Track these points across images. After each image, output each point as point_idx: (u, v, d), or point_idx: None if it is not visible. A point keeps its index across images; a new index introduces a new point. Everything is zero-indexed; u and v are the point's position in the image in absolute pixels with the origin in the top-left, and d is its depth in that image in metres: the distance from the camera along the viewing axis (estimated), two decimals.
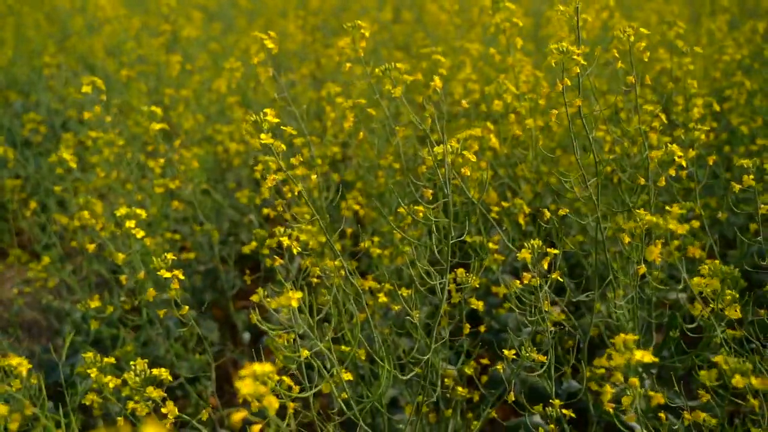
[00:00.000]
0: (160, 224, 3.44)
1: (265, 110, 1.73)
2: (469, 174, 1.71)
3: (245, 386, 1.13)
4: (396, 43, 5.86)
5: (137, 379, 1.69)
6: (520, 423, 2.62)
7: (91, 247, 2.47)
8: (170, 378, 1.70)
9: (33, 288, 3.54)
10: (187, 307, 2.15)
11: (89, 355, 1.96)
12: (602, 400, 1.29)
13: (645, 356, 1.24)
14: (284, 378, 1.41)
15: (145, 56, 5.21)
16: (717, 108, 2.58)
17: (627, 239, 1.82)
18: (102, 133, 3.14)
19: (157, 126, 2.76)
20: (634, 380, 1.27)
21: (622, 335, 1.29)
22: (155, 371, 1.69)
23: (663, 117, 2.18)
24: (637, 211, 1.74)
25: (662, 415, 1.72)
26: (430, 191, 1.76)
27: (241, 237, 3.94)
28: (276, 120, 1.73)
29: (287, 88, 4.41)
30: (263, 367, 1.16)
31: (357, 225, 3.65)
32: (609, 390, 1.27)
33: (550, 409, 1.82)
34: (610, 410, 1.32)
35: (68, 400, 2.44)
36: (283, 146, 1.75)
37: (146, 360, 3.12)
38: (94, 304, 2.44)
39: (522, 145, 3.01)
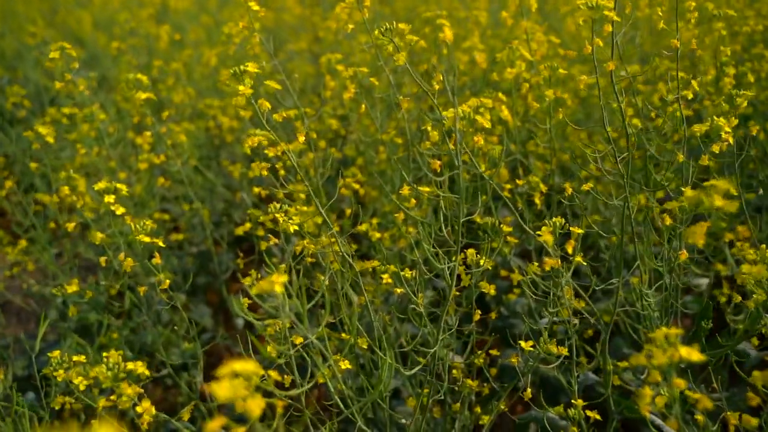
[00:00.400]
0: (148, 203, 3.24)
1: (246, 63, 1.54)
2: (482, 143, 1.51)
3: (222, 389, 0.94)
4: (397, 17, 5.64)
5: (109, 374, 1.48)
6: (531, 417, 2.45)
7: (71, 226, 2.27)
8: (147, 372, 1.51)
9: (16, 272, 3.36)
10: (168, 281, 1.96)
11: (56, 354, 1.77)
12: (640, 405, 1.10)
13: (692, 354, 1.05)
14: (270, 373, 1.22)
15: (136, 29, 4.99)
16: (751, 79, 2.37)
17: (668, 220, 1.62)
18: (80, 107, 2.94)
19: (143, 95, 2.55)
20: (680, 382, 1.08)
21: (664, 329, 1.09)
22: (130, 365, 1.48)
23: (696, 85, 1.97)
24: (683, 188, 1.54)
25: (700, 417, 1.54)
26: (438, 162, 1.56)
27: (234, 217, 3.75)
28: (257, 70, 1.54)
29: (284, 62, 4.21)
30: (245, 366, 0.97)
31: (357, 204, 3.45)
32: (648, 393, 1.08)
33: (573, 411, 1.63)
34: (648, 415, 1.14)
35: (42, 393, 2.26)
36: (268, 104, 1.56)
37: (126, 349, 2.95)
38: (72, 288, 2.25)
39: (534, 119, 2.81)
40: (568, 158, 3.04)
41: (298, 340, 1.74)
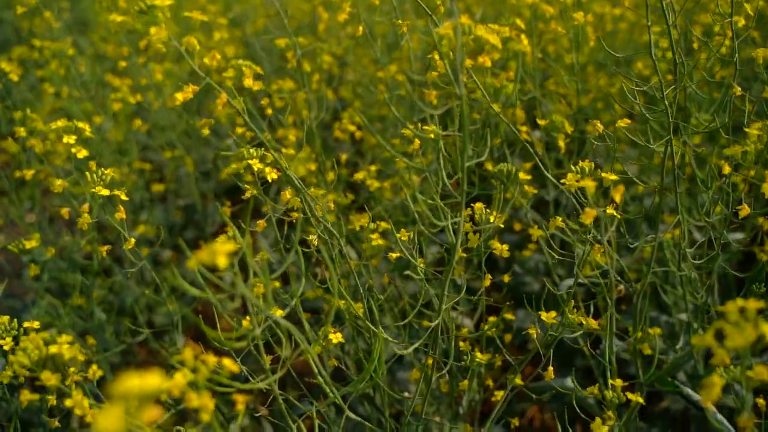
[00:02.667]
0: (129, 151, 2.97)
1: None
2: (489, 64, 1.23)
3: (106, 419, 0.65)
4: None
5: (24, 359, 1.21)
6: (547, 385, 2.21)
7: (29, 173, 2.01)
8: (80, 356, 1.24)
9: None
10: (133, 239, 1.71)
11: None
12: (705, 396, 0.84)
13: None
14: (225, 362, 0.96)
15: None
16: None
17: (726, 168, 1.35)
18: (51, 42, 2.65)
19: (119, 18, 2.26)
20: (763, 370, 0.82)
21: (739, 301, 0.84)
22: (53, 348, 1.21)
23: (749, 8, 1.67)
24: (749, 129, 1.27)
25: (761, 401, 1.29)
26: (434, 93, 1.28)
27: (222, 167, 3.48)
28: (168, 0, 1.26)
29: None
30: (145, 382, 0.68)
31: (355, 152, 3.18)
32: (718, 382, 0.82)
33: (610, 393, 1.38)
34: (711, 408, 0.88)
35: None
36: (195, 41, 1.28)
37: (99, 312, 2.70)
38: (30, 244, 1.99)
39: (552, 56, 2.51)
40: (589, 102, 2.75)
41: (278, 312, 1.48)
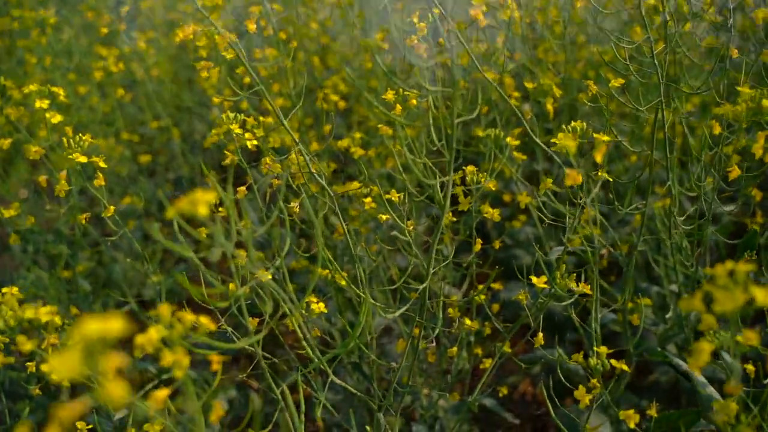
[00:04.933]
0: (115, 122, 2.92)
1: None
2: (481, 17, 1.19)
3: (62, 363, 0.62)
4: None
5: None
6: (536, 357, 2.20)
7: (6, 143, 1.96)
8: (57, 320, 1.21)
9: None
10: (112, 207, 1.68)
11: None
12: (692, 361, 0.82)
13: None
14: (202, 320, 0.93)
15: None
16: None
17: (717, 129, 1.33)
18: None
19: None
20: (752, 335, 0.80)
21: (729, 262, 0.81)
22: (29, 312, 1.18)
23: None
24: (741, 88, 1.24)
25: (750, 367, 1.27)
26: (423, 47, 1.24)
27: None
28: None
29: None
30: (106, 325, 0.65)
31: (344, 125, 3.14)
32: (707, 348, 0.80)
33: (594, 360, 1.36)
34: (697, 372, 0.86)
35: None
36: None
37: (86, 283, 2.67)
38: (8, 213, 1.96)
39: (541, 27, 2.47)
40: (579, 75, 2.71)
41: (265, 276, 1.46)
